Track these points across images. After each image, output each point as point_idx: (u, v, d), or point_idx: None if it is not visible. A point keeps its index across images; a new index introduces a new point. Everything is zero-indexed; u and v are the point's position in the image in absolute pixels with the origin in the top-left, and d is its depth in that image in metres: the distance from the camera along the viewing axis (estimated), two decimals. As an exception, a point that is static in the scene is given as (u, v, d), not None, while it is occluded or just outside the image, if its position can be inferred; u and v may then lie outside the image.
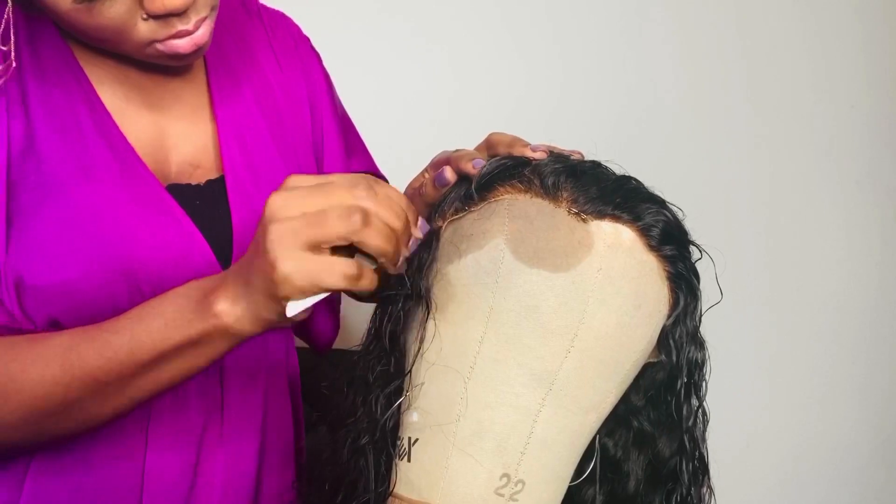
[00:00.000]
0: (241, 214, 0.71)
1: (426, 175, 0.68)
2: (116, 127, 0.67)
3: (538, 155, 0.61)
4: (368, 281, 0.52)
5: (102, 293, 0.63)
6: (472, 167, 0.61)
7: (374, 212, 0.51)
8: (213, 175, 0.72)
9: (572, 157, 0.61)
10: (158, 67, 0.68)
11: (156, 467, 0.68)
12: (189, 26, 0.62)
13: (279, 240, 0.50)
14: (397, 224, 0.52)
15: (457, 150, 0.66)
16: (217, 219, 0.70)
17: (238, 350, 0.59)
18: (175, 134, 0.71)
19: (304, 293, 0.51)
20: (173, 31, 0.62)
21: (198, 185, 0.71)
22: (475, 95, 1.36)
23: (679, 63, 1.43)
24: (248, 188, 0.72)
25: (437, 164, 0.67)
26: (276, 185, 0.74)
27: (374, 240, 0.51)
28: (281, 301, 0.51)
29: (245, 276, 0.53)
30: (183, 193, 0.69)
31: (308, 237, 0.50)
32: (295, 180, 0.53)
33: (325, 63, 0.87)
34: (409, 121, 1.31)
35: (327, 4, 1.26)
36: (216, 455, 0.71)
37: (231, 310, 0.53)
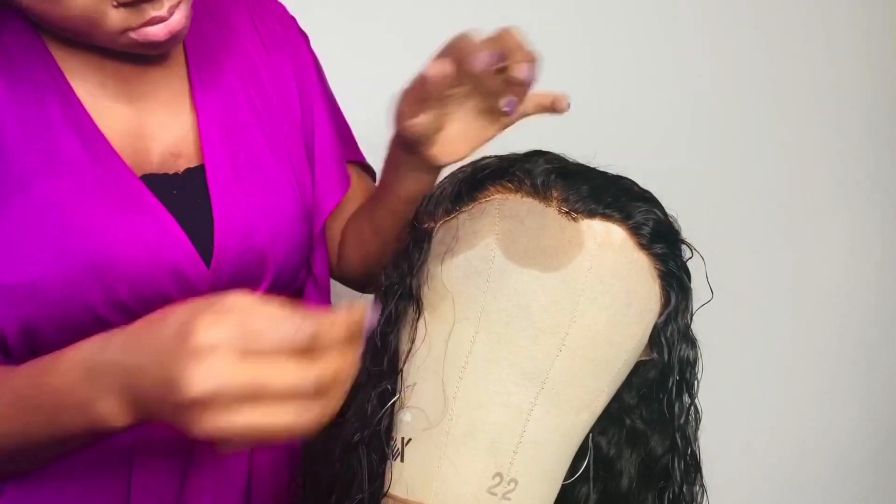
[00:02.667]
0: (222, 203, 0.69)
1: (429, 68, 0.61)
2: (89, 117, 0.65)
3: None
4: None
5: (73, 291, 0.61)
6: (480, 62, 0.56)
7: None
8: (194, 164, 0.70)
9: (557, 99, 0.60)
10: (135, 56, 0.67)
11: (144, 470, 0.67)
12: (162, 12, 0.61)
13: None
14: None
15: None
16: (197, 209, 0.68)
17: None
18: (154, 123, 0.69)
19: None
20: (146, 18, 0.60)
21: (175, 174, 0.69)
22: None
23: (677, 62, 1.43)
24: (229, 176, 0.70)
25: (448, 53, 0.60)
26: (260, 172, 0.73)
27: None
28: None
29: (149, 393, 0.47)
30: (160, 183, 0.67)
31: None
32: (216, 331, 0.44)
33: (321, 55, 0.85)
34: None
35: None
36: (205, 456, 0.69)
37: (118, 415, 0.49)
